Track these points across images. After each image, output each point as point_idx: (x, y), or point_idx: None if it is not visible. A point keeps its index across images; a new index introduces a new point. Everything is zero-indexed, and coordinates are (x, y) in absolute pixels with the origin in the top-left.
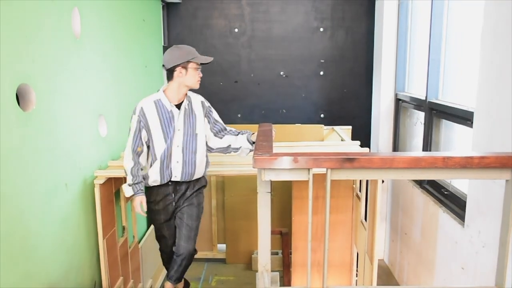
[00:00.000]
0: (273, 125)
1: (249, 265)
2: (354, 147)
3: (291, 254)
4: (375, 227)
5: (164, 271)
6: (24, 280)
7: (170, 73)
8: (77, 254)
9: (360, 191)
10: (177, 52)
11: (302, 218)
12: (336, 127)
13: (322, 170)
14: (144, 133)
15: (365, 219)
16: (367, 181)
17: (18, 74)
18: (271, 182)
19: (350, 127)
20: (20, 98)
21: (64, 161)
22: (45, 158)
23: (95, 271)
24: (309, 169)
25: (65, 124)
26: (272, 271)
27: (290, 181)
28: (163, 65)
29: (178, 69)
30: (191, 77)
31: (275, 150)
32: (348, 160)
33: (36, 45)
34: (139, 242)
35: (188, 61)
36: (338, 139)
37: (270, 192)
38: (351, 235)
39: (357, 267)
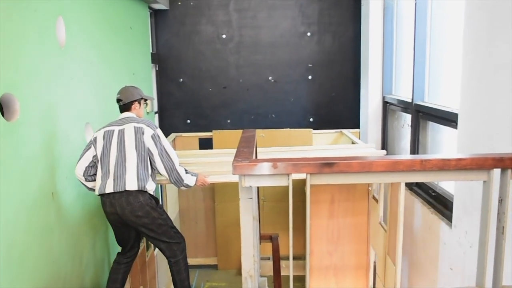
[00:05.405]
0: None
1: (241, 270)
2: (369, 149)
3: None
4: (399, 229)
5: None
6: None
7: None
8: (63, 264)
9: (377, 193)
10: (135, 90)
11: (317, 222)
12: (345, 131)
13: (302, 176)
14: None
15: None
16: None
17: (2, 83)
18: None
19: (359, 130)
20: (4, 107)
21: (50, 170)
22: (30, 167)
23: (82, 280)
24: (288, 175)
25: (51, 133)
26: (264, 276)
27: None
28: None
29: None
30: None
31: (283, 155)
32: (327, 165)
33: (20, 54)
34: (154, 249)
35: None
36: (349, 142)
37: (259, 198)
38: (368, 238)
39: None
